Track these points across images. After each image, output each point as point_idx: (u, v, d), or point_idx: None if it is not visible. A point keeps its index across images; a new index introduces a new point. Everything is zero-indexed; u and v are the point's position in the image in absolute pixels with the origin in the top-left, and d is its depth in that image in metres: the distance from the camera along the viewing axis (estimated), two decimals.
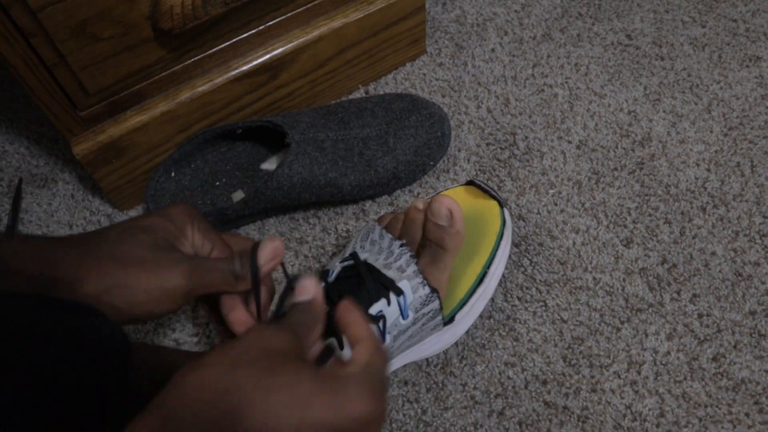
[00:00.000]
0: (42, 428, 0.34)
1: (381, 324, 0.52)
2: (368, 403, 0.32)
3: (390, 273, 0.53)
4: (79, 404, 0.38)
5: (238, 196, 0.68)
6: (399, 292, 0.52)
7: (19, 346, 0.36)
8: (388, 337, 0.53)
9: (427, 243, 0.56)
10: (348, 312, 0.40)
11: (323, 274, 0.54)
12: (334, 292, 0.53)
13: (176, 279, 0.40)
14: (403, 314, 0.53)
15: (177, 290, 0.40)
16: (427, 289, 0.53)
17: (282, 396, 0.30)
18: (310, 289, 0.40)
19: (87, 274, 0.39)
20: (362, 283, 0.53)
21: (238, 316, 0.44)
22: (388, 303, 0.52)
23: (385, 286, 0.53)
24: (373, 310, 0.52)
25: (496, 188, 0.70)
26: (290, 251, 0.67)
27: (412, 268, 0.53)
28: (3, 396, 0.34)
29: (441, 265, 0.56)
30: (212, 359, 0.32)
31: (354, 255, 0.55)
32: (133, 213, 0.72)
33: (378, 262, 0.54)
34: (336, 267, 0.54)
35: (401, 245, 0.55)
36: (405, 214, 0.58)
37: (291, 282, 0.41)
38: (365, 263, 0.54)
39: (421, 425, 0.58)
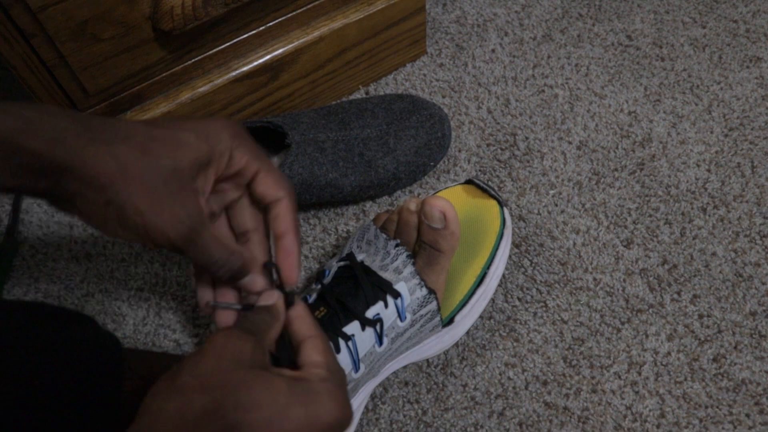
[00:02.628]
0: None
1: (378, 327, 0.51)
2: (338, 408, 0.34)
3: (386, 275, 0.53)
4: (71, 412, 0.38)
5: None
6: (396, 295, 0.52)
7: (9, 354, 0.36)
8: (385, 340, 0.52)
9: (422, 245, 0.55)
10: (296, 311, 0.40)
11: (319, 275, 0.54)
12: (329, 294, 0.52)
13: (173, 230, 0.36)
14: (401, 316, 0.53)
15: (166, 239, 0.37)
16: (424, 291, 0.53)
17: (260, 413, 0.31)
18: (273, 295, 0.40)
19: (103, 179, 0.34)
20: (359, 285, 0.52)
21: (224, 318, 0.43)
22: (386, 306, 0.52)
23: (382, 289, 0.52)
24: (370, 313, 0.51)
25: (496, 188, 0.70)
26: None
27: (409, 269, 0.53)
28: None
29: (437, 267, 0.55)
30: (183, 380, 0.31)
31: (350, 255, 0.54)
32: None
33: (374, 264, 0.53)
34: (332, 267, 0.54)
35: (397, 245, 0.54)
36: (398, 214, 0.57)
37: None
38: (362, 264, 0.54)
39: (422, 426, 0.58)
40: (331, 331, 0.50)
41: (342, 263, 0.54)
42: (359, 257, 0.54)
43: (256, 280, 0.42)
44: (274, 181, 0.41)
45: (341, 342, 0.50)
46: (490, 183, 0.70)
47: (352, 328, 0.51)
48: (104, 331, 0.44)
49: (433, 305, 0.54)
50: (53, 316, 0.41)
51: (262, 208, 0.43)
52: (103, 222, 0.35)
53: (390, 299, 0.52)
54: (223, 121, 0.39)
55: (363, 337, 0.51)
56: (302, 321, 0.39)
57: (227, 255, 0.39)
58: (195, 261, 0.39)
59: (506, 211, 0.61)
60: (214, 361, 0.33)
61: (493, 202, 0.61)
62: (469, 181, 0.63)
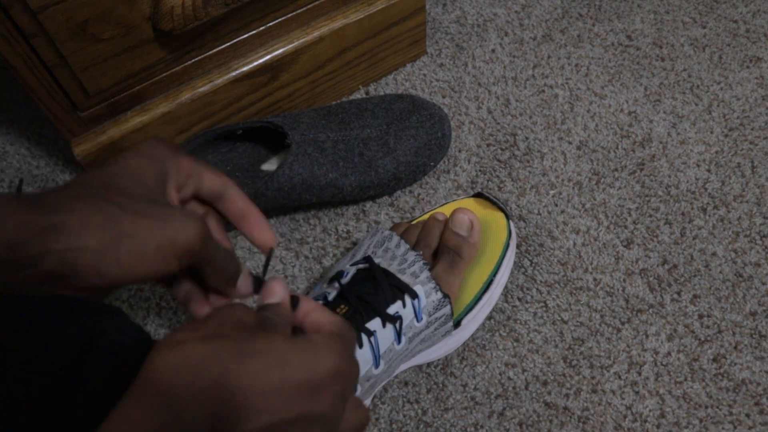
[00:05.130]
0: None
1: (398, 324, 0.53)
2: (336, 356, 0.34)
3: (404, 278, 0.55)
4: (105, 407, 0.38)
5: None
6: (414, 295, 0.54)
7: (40, 349, 0.36)
8: (403, 339, 0.54)
9: (444, 250, 0.59)
10: (306, 303, 0.39)
11: (337, 275, 0.56)
12: (350, 293, 0.54)
13: (190, 232, 0.37)
14: (418, 317, 0.54)
15: (187, 246, 0.37)
16: (439, 294, 0.55)
17: (259, 360, 0.31)
18: (278, 292, 0.39)
19: (88, 219, 0.34)
20: (378, 285, 0.54)
21: (200, 307, 0.42)
22: (404, 305, 0.54)
23: (400, 289, 0.54)
24: (390, 311, 0.53)
25: (497, 189, 0.70)
26: (291, 252, 0.67)
27: (426, 274, 0.55)
28: (21, 399, 0.34)
29: (455, 272, 0.58)
30: (185, 335, 0.32)
31: (368, 258, 0.56)
32: None
33: (392, 267, 0.56)
34: (350, 269, 0.56)
35: (416, 254, 0.57)
36: (423, 223, 0.61)
37: (257, 282, 0.41)
38: (380, 267, 0.56)
39: (422, 426, 0.58)
40: (354, 327, 0.52)
41: (361, 266, 0.56)
42: (375, 261, 0.57)
43: (245, 283, 0.41)
44: (215, 175, 0.41)
45: (364, 337, 0.52)
46: (491, 187, 0.70)
47: (374, 324, 0.53)
48: (134, 324, 0.44)
49: (447, 309, 0.56)
50: (82, 309, 0.41)
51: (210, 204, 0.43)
52: (116, 261, 0.35)
53: (408, 299, 0.54)
54: (155, 140, 0.41)
55: (384, 334, 0.53)
56: (318, 313, 0.39)
57: (230, 257, 0.40)
58: (205, 266, 0.39)
59: (512, 223, 0.64)
60: (216, 323, 0.33)
61: (501, 215, 0.63)
62: (478, 194, 0.65)
